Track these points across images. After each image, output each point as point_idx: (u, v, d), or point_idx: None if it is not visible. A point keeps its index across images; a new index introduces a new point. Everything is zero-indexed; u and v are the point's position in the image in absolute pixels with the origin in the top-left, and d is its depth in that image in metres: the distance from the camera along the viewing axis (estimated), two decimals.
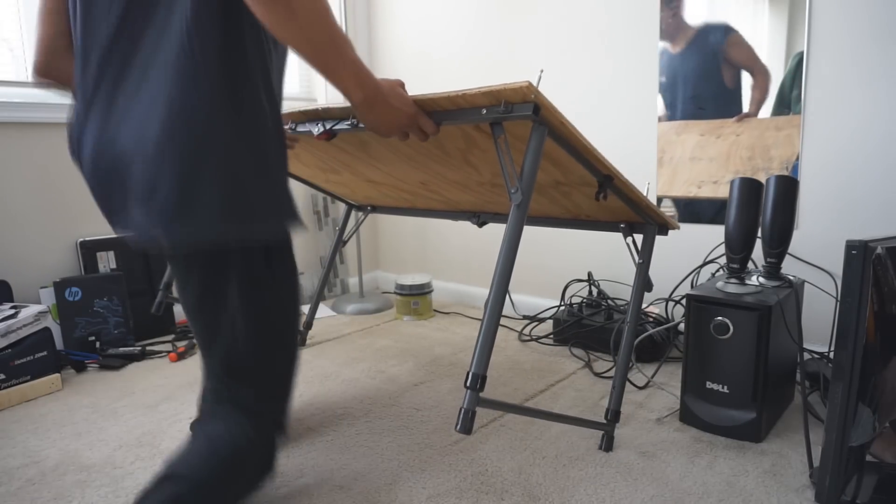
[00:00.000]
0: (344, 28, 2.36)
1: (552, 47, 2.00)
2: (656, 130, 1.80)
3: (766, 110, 1.60)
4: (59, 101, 1.82)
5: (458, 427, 0.90)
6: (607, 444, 1.21)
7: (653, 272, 1.87)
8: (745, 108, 1.63)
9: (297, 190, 2.49)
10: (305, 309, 2.05)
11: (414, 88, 2.43)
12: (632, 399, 1.45)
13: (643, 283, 1.26)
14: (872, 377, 0.92)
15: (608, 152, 1.91)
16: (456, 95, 0.89)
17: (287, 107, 2.59)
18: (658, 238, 1.84)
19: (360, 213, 1.92)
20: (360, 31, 2.54)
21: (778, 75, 1.57)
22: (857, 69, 1.46)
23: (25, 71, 1.82)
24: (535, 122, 0.90)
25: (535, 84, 0.86)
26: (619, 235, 1.94)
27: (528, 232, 2.17)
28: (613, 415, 1.22)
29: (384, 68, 2.54)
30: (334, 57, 0.84)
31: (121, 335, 1.87)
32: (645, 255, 1.26)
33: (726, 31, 1.63)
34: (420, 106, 0.97)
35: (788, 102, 1.56)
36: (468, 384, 0.90)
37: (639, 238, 1.30)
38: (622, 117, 1.87)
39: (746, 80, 1.62)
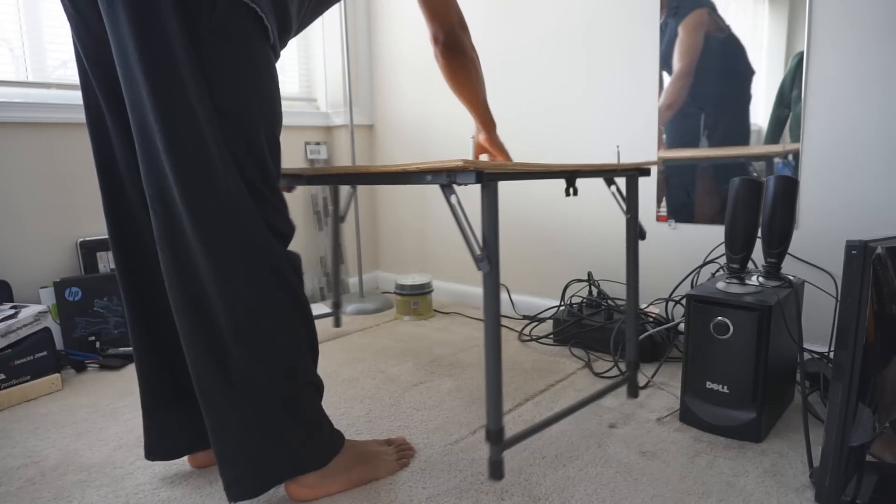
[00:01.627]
0: (344, 30, 2.36)
1: (553, 45, 2.00)
2: (657, 125, 1.80)
3: (763, 112, 1.60)
4: (59, 102, 1.82)
5: (490, 475, 1.04)
6: (632, 391, 1.40)
7: (653, 272, 1.87)
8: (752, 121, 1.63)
9: (295, 192, 2.50)
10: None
11: (414, 89, 2.43)
12: (632, 399, 1.45)
13: (636, 233, 1.29)
14: (872, 377, 0.92)
15: (609, 148, 1.92)
16: (401, 169, 0.98)
17: (287, 107, 2.57)
18: (658, 238, 1.84)
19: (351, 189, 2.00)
20: (360, 32, 2.54)
21: (778, 75, 1.57)
22: (857, 69, 1.46)
23: (25, 71, 1.82)
24: (483, 184, 0.92)
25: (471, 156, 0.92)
26: (619, 235, 1.94)
27: (529, 232, 2.17)
28: (632, 365, 1.38)
29: (385, 70, 2.54)
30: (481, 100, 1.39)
31: (121, 335, 1.87)
32: (632, 206, 1.29)
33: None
34: (370, 171, 1.06)
35: (788, 102, 1.56)
36: (489, 439, 1.00)
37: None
38: (623, 113, 1.87)
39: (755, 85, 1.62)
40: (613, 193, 1.27)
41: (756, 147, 1.63)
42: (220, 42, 0.83)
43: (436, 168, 0.92)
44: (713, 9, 1.65)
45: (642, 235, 1.31)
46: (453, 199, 0.94)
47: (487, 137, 1.40)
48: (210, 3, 0.82)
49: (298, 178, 1.30)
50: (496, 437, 0.99)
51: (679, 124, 1.75)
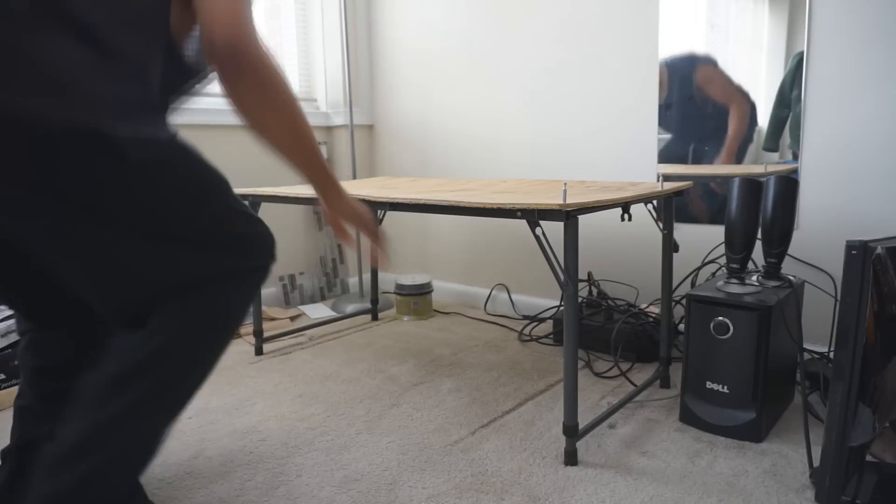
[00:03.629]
0: (344, 30, 2.36)
1: (553, 44, 2.00)
2: (656, 125, 1.80)
3: (763, 112, 1.60)
4: None
5: (566, 462, 1.16)
6: (664, 384, 1.50)
7: (652, 272, 1.87)
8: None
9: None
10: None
11: (414, 89, 2.43)
12: (632, 399, 1.45)
13: (671, 247, 1.45)
14: (872, 377, 0.92)
15: (609, 148, 1.92)
16: (494, 206, 1.12)
17: None
18: (658, 237, 1.84)
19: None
20: (360, 32, 2.54)
21: (778, 75, 1.57)
22: (856, 69, 1.46)
23: None
24: (567, 221, 1.07)
25: (563, 198, 1.05)
26: (619, 235, 1.94)
27: (529, 232, 2.17)
28: (664, 360, 1.50)
29: (385, 70, 2.54)
30: (303, 147, 0.88)
31: None
32: (668, 224, 1.43)
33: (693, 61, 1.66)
34: (464, 209, 1.17)
35: (788, 102, 1.56)
36: (565, 433, 1.15)
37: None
38: (622, 114, 1.87)
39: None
40: (650, 211, 1.40)
41: (753, 167, 1.63)
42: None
43: (529, 207, 1.07)
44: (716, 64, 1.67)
45: (676, 248, 1.45)
46: (538, 230, 1.10)
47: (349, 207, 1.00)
48: None
49: (382, 205, 1.33)
50: (571, 431, 1.15)
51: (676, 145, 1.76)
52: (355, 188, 1.60)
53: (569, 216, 1.06)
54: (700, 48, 1.68)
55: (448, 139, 2.36)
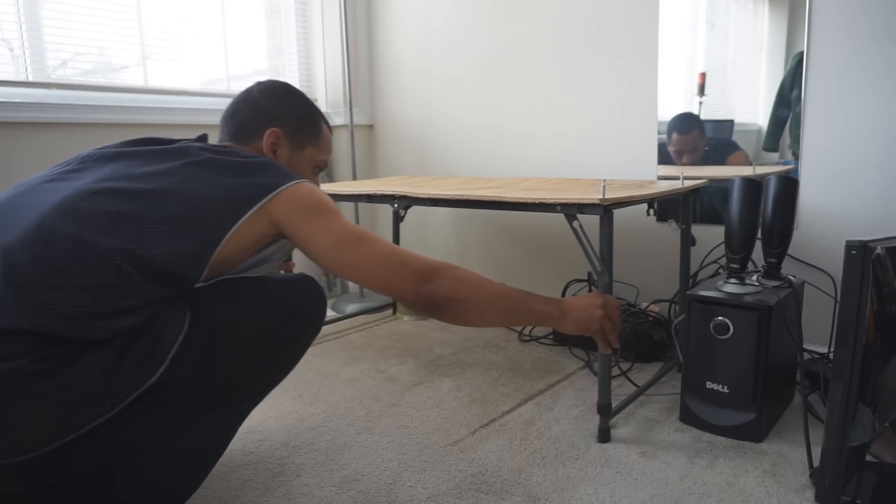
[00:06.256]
0: (344, 30, 2.36)
1: (553, 44, 2.00)
2: (656, 125, 1.80)
3: (763, 112, 1.60)
4: (59, 102, 1.81)
5: (600, 440, 1.23)
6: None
7: (652, 272, 1.87)
8: None
9: None
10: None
11: (414, 89, 2.43)
12: (632, 399, 1.45)
13: (688, 241, 1.55)
14: (872, 377, 0.92)
15: (608, 148, 1.92)
16: (536, 201, 1.22)
17: None
18: (659, 238, 1.85)
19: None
20: (360, 32, 2.54)
21: (778, 75, 1.57)
22: (856, 69, 1.46)
23: (25, 71, 1.82)
24: (603, 214, 1.16)
25: (601, 193, 1.14)
26: (619, 235, 1.94)
27: (529, 231, 2.17)
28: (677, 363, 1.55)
29: (385, 70, 2.54)
30: (515, 317, 0.92)
31: None
32: (686, 218, 1.55)
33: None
34: (503, 203, 1.25)
35: (788, 102, 1.56)
36: (599, 411, 1.24)
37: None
38: (622, 113, 1.87)
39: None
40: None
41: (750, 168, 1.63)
42: None
43: (570, 202, 1.16)
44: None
45: (693, 243, 1.54)
46: (575, 224, 1.18)
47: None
48: None
49: (422, 200, 1.40)
50: (605, 410, 1.23)
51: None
52: (374, 186, 1.63)
53: (606, 210, 1.15)
54: (699, 48, 1.69)
55: (448, 139, 2.36)
